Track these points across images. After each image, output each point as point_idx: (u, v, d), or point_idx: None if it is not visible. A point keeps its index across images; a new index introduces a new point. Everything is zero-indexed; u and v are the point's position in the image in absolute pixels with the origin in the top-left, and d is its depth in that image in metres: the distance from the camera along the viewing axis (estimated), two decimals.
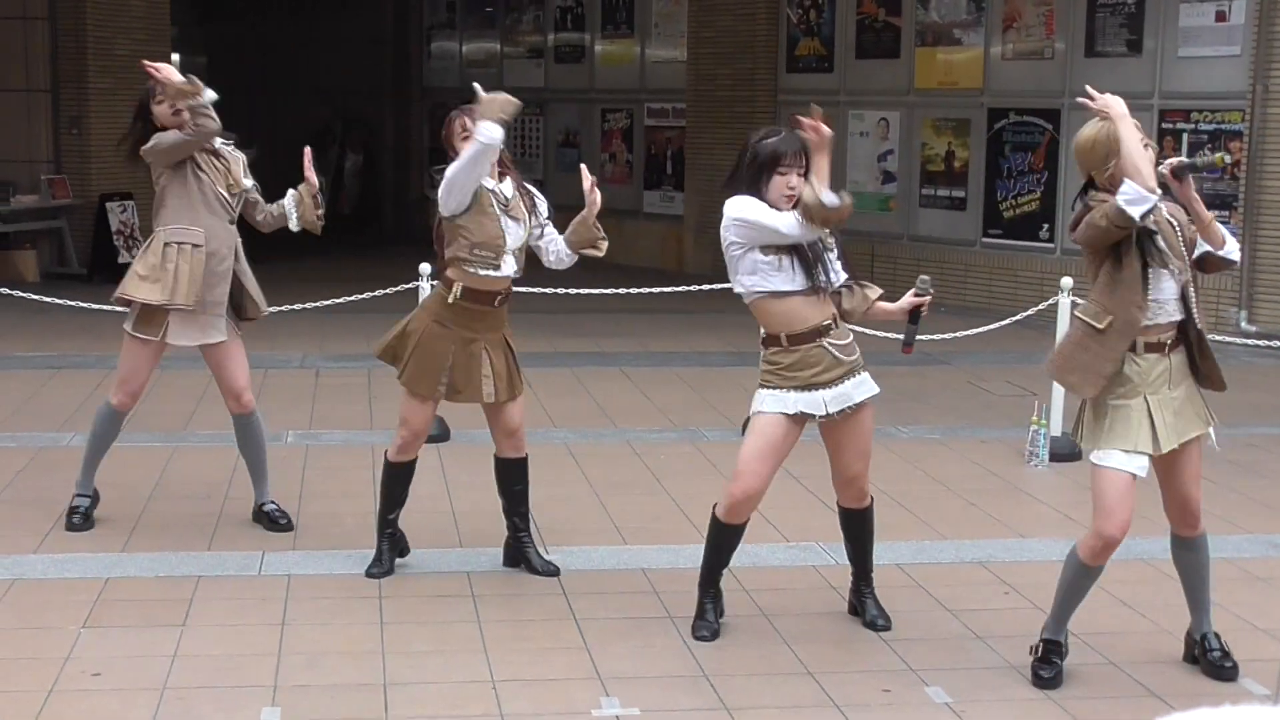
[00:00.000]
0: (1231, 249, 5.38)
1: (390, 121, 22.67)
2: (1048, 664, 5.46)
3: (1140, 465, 5.24)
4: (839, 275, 5.75)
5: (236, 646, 5.65)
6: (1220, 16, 13.27)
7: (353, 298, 10.53)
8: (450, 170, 6.11)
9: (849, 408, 5.69)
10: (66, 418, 9.42)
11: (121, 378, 7.06)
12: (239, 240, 7.00)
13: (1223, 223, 13.46)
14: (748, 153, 5.67)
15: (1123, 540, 5.34)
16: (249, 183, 7.00)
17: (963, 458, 8.85)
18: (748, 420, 5.89)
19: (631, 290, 11.24)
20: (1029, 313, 10.24)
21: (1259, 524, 7.53)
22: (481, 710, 5.11)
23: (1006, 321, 10.40)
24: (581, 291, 11.34)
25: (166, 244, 6.82)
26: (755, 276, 5.64)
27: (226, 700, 5.15)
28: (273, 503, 7.22)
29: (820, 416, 5.66)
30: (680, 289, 11.60)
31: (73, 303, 10.72)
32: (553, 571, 6.51)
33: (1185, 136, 13.35)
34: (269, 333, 12.06)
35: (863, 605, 6.03)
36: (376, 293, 10.36)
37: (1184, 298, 5.27)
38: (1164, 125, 13.49)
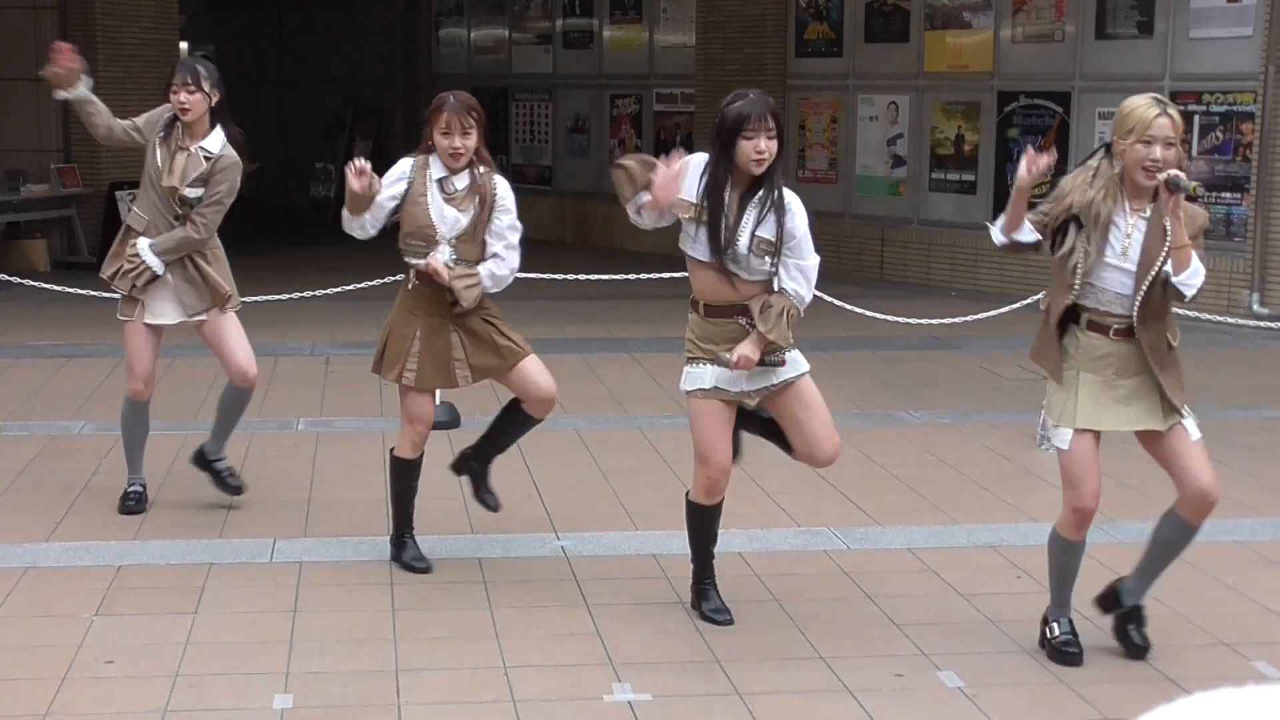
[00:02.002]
0: (1187, 281, 5.17)
1: (399, 109, 22.65)
2: (1074, 641, 5.47)
3: (1063, 437, 5.30)
4: (756, 275, 5.63)
5: (248, 633, 5.65)
6: None
7: (363, 284, 10.53)
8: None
9: (770, 387, 5.70)
10: (78, 407, 9.43)
11: (127, 365, 7.22)
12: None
13: (1234, 205, 13.47)
14: (719, 119, 5.64)
15: (1097, 508, 5.37)
16: (190, 193, 6.94)
17: (974, 442, 8.83)
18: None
19: (642, 275, 11.23)
20: (1040, 296, 10.19)
21: (1272, 507, 7.51)
22: (493, 696, 5.11)
23: (1018, 305, 10.38)
24: (592, 277, 11.32)
25: (127, 227, 7.06)
26: (681, 234, 5.72)
27: (239, 687, 5.16)
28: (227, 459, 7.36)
29: (735, 393, 5.66)
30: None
31: (83, 292, 10.75)
32: (493, 507, 6.57)
33: (1196, 118, 13.31)
34: (279, 320, 12.08)
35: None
36: (386, 279, 10.36)
37: (1134, 300, 5.24)
38: None
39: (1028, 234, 5.44)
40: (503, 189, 6.27)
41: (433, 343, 6.22)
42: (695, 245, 5.67)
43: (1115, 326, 5.27)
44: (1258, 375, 10.94)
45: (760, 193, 5.60)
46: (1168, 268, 5.20)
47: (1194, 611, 5.91)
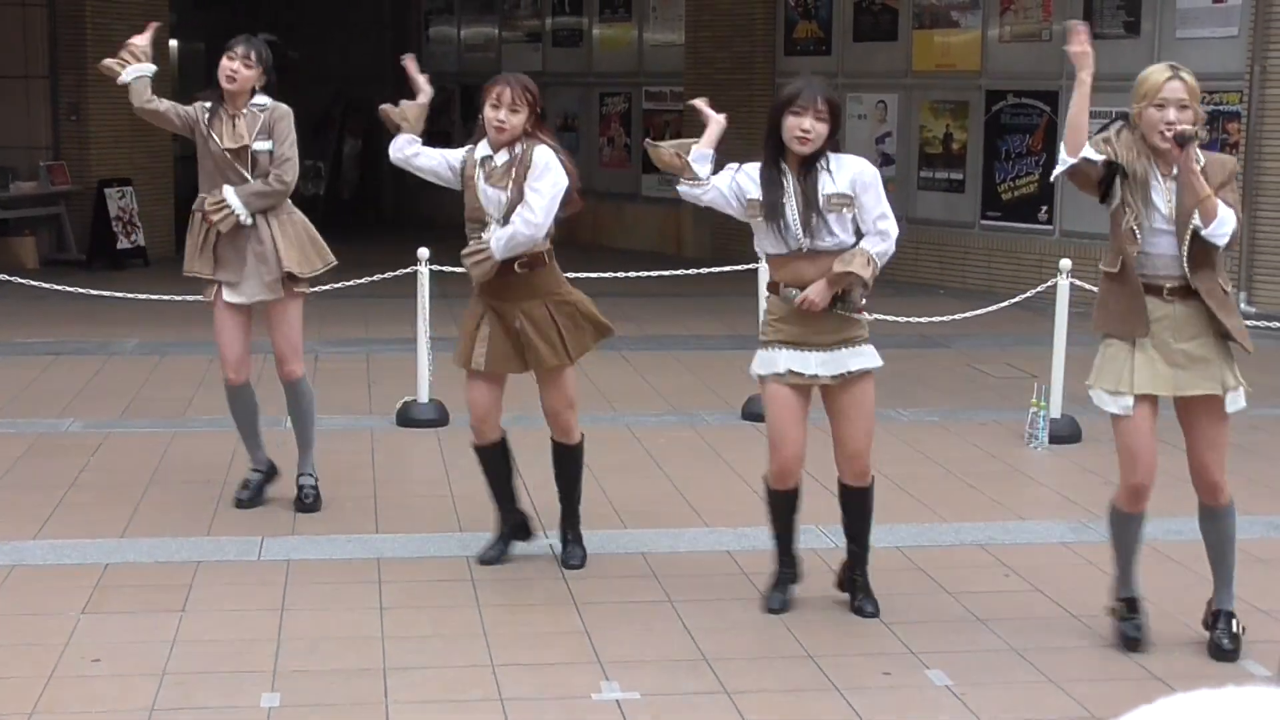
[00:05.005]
0: (1216, 231, 5.20)
1: None
2: (1132, 622, 5.54)
3: (1124, 405, 5.33)
4: (836, 236, 5.61)
5: (236, 632, 5.65)
6: None
7: (351, 282, 10.51)
8: None
9: (845, 374, 5.67)
10: (65, 404, 9.41)
11: (219, 353, 7.23)
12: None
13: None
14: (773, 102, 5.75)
15: (1153, 483, 5.42)
16: (260, 145, 6.97)
17: (963, 440, 8.84)
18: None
19: (630, 274, 11.22)
20: (1028, 294, 10.23)
21: (1260, 505, 7.52)
22: (481, 695, 5.11)
23: (1006, 304, 10.38)
24: (580, 275, 11.28)
25: (193, 210, 7.04)
26: (755, 240, 5.80)
27: (226, 686, 5.15)
28: (308, 476, 7.29)
29: (809, 376, 5.64)
30: (679, 272, 11.58)
31: (72, 289, 10.72)
32: (572, 565, 6.48)
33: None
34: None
35: (852, 588, 5.98)
36: (375, 277, 10.36)
37: (1182, 257, 5.28)
38: None
39: (1092, 152, 5.27)
40: (539, 154, 6.12)
41: (499, 329, 6.23)
42: (772, 240, 5.67)
43: (1169, 286, 5.30)
44: (1245, 373, 10.94)
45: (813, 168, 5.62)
46: (1196, 222, 5.22)
47: (1182, 609, 5.92)
